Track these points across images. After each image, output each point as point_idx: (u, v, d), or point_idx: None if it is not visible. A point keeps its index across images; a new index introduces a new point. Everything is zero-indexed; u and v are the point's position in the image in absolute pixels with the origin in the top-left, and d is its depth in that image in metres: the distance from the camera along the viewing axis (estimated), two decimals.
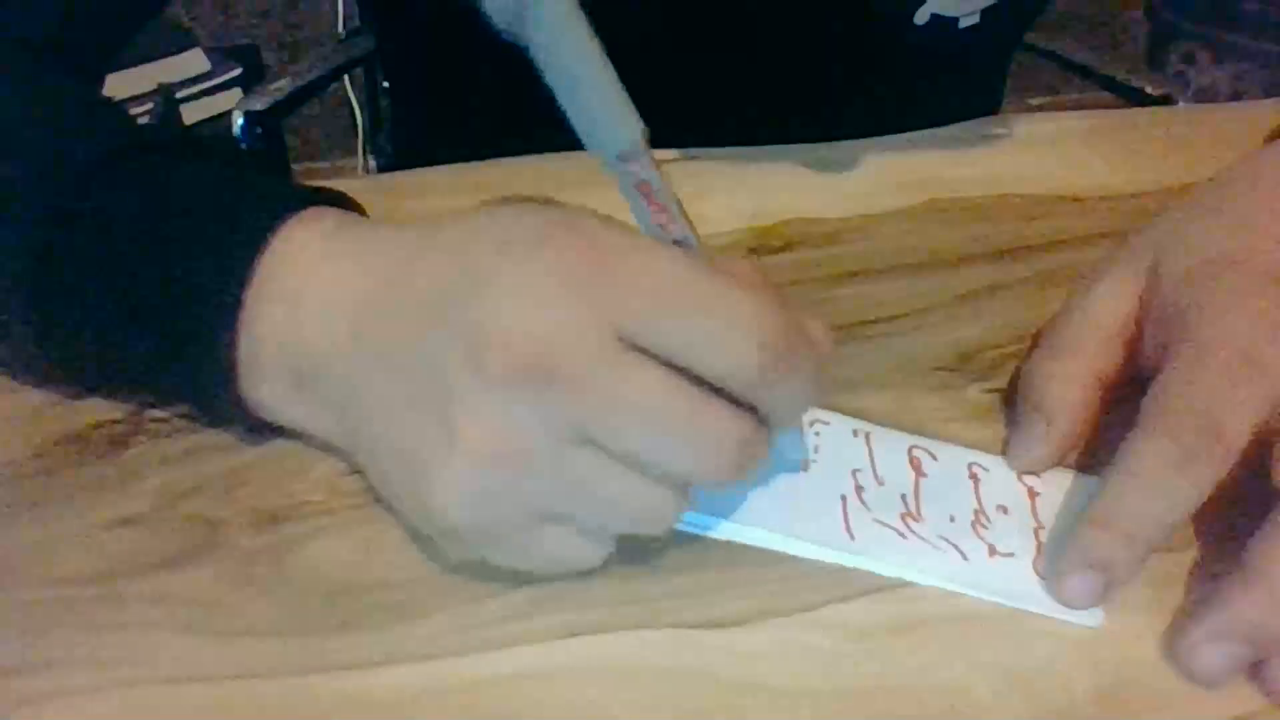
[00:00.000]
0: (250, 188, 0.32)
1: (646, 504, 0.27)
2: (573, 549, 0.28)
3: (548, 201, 0.28)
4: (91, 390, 0.35)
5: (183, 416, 0.34)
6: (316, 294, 0.30)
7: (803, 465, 0.33)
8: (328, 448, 0.32)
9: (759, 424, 0.27)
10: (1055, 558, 0.30)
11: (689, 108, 0.50)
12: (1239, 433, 0.29)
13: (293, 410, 0.31)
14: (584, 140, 0.24)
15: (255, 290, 0.30)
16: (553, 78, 0.23)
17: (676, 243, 0.26)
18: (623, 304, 0.25)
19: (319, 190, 0.33)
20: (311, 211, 0.31)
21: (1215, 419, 0.28)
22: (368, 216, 0.33)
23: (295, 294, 0.30)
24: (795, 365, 0.26)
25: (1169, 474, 0.28)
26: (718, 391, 0.26)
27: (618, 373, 0.25)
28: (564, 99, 0.23)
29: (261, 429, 0.32)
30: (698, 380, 0.26)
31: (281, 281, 0.30)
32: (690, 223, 0.26)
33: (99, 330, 0.31)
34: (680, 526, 0.30)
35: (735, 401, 0.26)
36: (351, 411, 0.29)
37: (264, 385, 0.31)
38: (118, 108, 0.36)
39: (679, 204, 0.26)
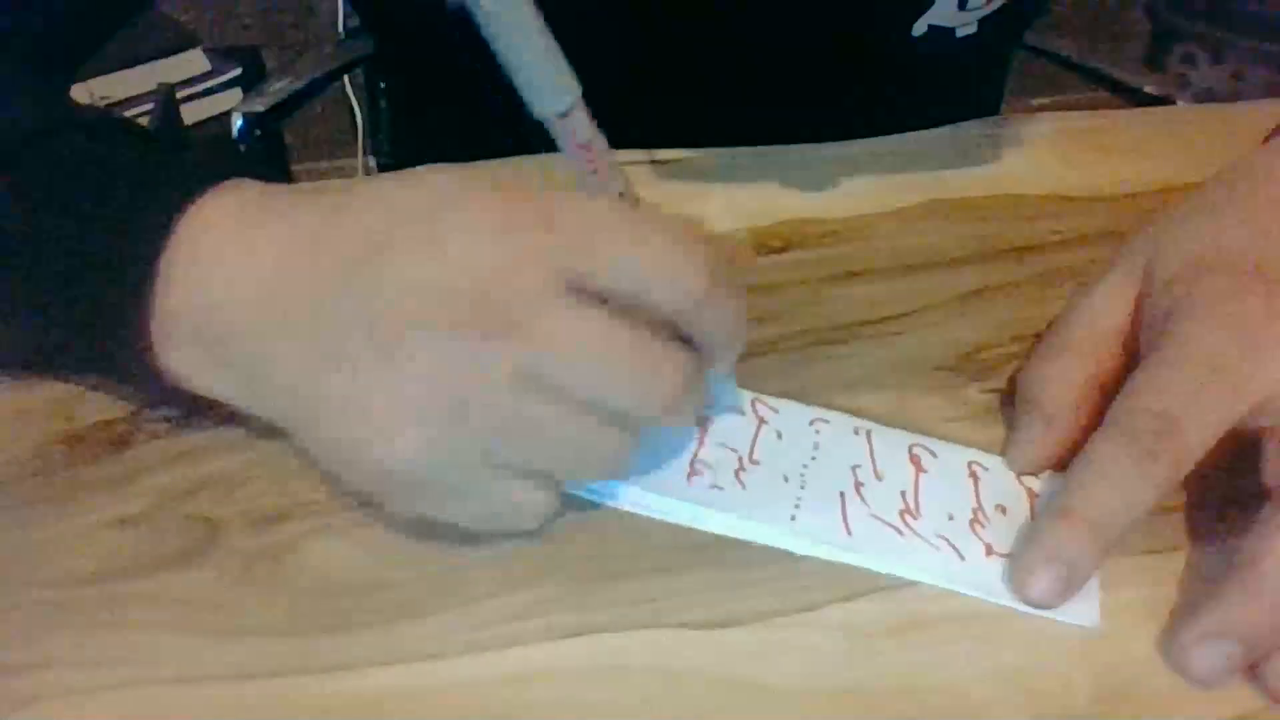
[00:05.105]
0: (165, 164, 0.32)
1: (594, 445, 0.28)
2: (520, 498, 0.28)
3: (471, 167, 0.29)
4: (22, 367, 0.35)
5: (174, 418, 0.34)
6: (230, 265, 0.30)
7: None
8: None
9: (697, 361, 0.28)
10: (1018, 555, 0.30)
11: (689, 111, 0.50)
12: (1199, 437, 0.29)
13: (214, 382, 0.31)
14: (527, 103, 0.26)
15: (167, 262, 0.30)
16: (496, 45, 0.24)
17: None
18: (558, 248, 0.26)
19: (237, 164, 0.33)
20: (227, 185, 0.31)
21: (1176, 422, 0.29)
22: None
23: (208, 266, 0.30)
24: (730, 291, 0.27)
25: (1128, 471, 0.29)
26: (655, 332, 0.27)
27: (559, 315, 0.26)
28: (507, 64, 0.25)
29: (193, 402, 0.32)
30: (636, 321, 0.27)
31: (194, 255, 0.30)
32: (626, 179, 0.28)
33: (16, 305, 0.32)
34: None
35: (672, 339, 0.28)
36: (279, 381, 0.29)
37: (181, 357, 0.31)
38: (40, 87, 0.37)
39: (615, 162, 0.28)
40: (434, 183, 0.28)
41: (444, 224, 0.26)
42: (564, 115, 0.27)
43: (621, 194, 0.28)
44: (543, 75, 0.26)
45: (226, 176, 0.31)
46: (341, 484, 0.31)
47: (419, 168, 0.29)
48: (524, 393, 0.26)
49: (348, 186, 0.29)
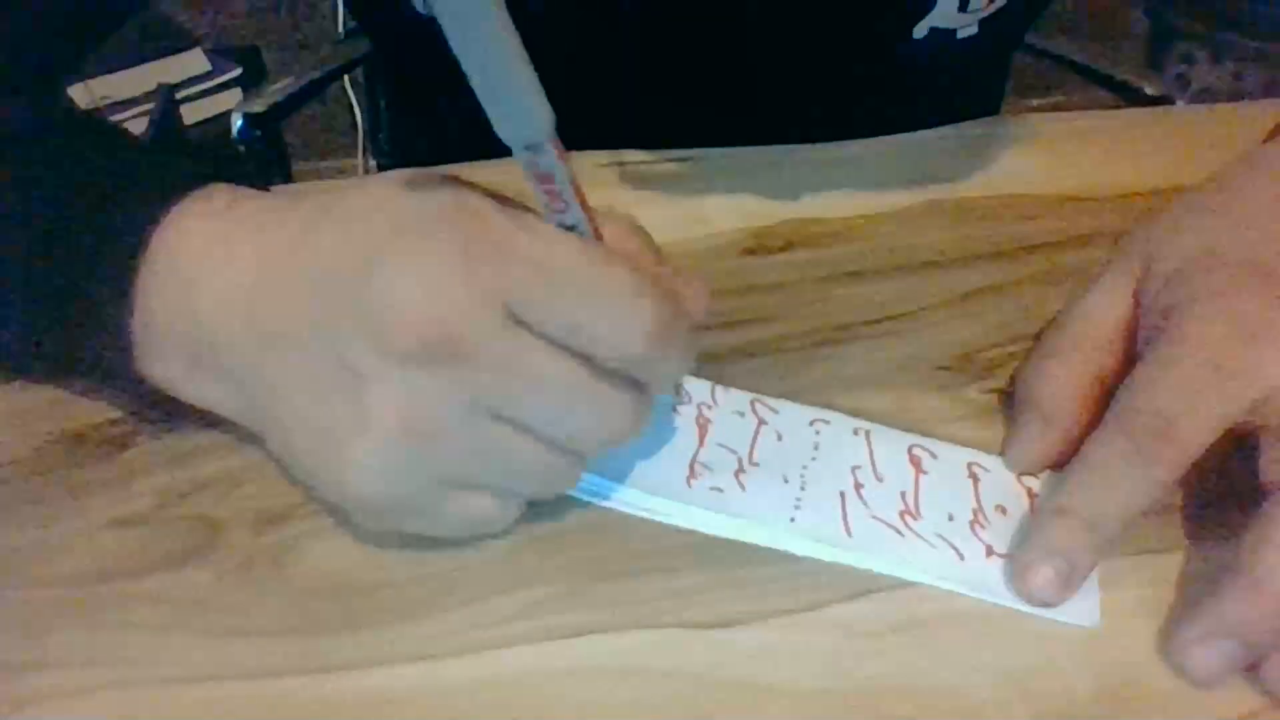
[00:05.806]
0: (142, 168, 0.32)
1: (548, 469, 0.28)
2: (483, 512, 0.29)
3: (443, 179, 0.28)
4: (15, 371, 0.35)
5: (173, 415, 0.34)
6: (209, 274, 0.30)
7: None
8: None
9: (644, 395, 0.28)
10: (1016, 552, 0.30)
11: (689, 111, 0.50)
12: (1197, 435, 0.29)
13: (196, 389, 0.31)
14: (493, 126, 0.24)
15: (146, 271, 0.30)
16: (464, 64, 0.23)
17: (569, 228, 0.27)
18: (511, 284, 0.26)
19: (214, 166, 0.33)
20: (203, 190, 0.31)
21: (1172, 421, 0.29)
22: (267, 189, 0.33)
23: (187, 274, 0.30)
24: (675, 344, 0.27)
25: (1126, 469, 0.29)
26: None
27: (510, 349, 0.26)
28: (474, 85, 0.23)
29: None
30: (586, 359, 0.27)
31: (172, 262, 0.30)
32: (587, 208, 0.27)
33: (6, 307, 0.32)
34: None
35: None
36: (256, 392, 0.29)
37: (163, 364, 0.31)
38: (37, 87, 0.37)
39: (578, 190, 0.26)
40: (402, 206, 0.27)
41: (406, 256, 0.26)
42: (529, 147, 0.24)
43: (578, 226, 0.27)
44: (510, 104, 0.23)
45: (212, 179, 0.31)
46: (316, 494, 0.31)
47: (391, 172, 0.29)
48: (481, 420, 0.27)
49: (330, 190, 0.29)
